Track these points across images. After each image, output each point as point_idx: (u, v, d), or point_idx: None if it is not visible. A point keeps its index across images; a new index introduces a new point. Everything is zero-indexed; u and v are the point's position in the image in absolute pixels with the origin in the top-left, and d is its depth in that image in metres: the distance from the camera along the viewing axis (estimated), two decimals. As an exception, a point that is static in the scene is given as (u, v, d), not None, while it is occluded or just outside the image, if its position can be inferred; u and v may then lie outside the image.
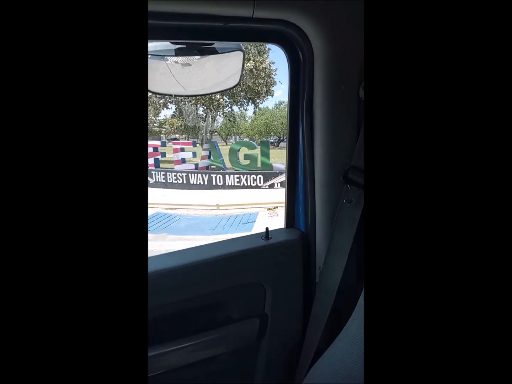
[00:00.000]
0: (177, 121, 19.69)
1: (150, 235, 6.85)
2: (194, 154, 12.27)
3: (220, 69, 0.75)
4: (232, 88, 0.79)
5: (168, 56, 0.68)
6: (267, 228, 0.87)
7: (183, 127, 20.20)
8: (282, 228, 0.93)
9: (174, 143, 12.65)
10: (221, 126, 24.46)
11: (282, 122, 21.79)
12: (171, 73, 0.70)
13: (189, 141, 15.49)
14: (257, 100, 16.78)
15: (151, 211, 8.19)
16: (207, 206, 8.83)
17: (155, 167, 11.77)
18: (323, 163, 0.80)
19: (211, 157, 12.07)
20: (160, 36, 0.67)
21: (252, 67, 14.53)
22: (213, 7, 0.62)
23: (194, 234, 6.80)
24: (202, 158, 12.06)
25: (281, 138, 22.01)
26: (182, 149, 12.06)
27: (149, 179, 10.57)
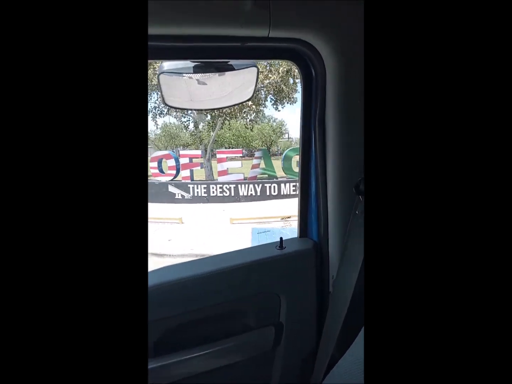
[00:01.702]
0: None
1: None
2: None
3: (236, 85, 0.79)
4: (246, 101, 0.83)
5: (186, 73, 0.74)
6: (281, 238, 0.89)
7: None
8: (296, 238, 0.94)
9: (218, 152, 11.27)
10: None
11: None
12: (188, 88, 0.76)
13: (238, 149, 14.10)
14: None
15: (246, 228, 7.20)
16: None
17: (191, 180, 10.53)
18: (336, 174, 0.80)
19: (263, 166, 11.14)
20: (181, 56, 0.73)
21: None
22: (231, 29, 0.66)
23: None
24: (253, 167, 10.98)
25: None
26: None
27: (184, 194, 10.03)
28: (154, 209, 8.32)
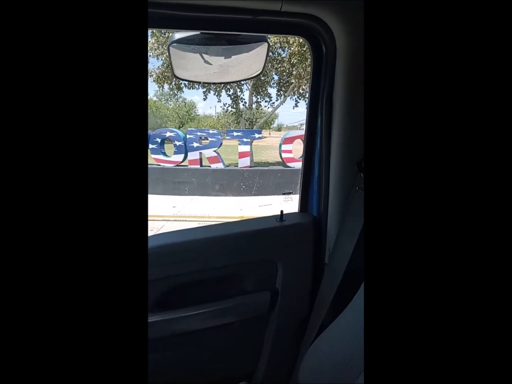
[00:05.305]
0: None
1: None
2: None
3: (246, 58, 0.78)
4: (255, 76, 0.83)
5: (196, 44, 0.73)
6: (281, 211, 0.93)
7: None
8: (296, 212, 0.99)
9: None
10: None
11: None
12: (197, 60, 0.75)
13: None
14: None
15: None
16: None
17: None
18: (339, 151, 0.83)
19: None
20: (191, 26, 0.71)
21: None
22: (243, 1, 0.65)
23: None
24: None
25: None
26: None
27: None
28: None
